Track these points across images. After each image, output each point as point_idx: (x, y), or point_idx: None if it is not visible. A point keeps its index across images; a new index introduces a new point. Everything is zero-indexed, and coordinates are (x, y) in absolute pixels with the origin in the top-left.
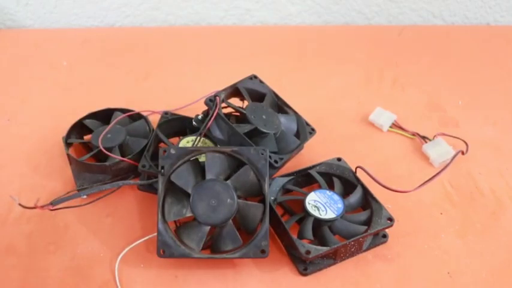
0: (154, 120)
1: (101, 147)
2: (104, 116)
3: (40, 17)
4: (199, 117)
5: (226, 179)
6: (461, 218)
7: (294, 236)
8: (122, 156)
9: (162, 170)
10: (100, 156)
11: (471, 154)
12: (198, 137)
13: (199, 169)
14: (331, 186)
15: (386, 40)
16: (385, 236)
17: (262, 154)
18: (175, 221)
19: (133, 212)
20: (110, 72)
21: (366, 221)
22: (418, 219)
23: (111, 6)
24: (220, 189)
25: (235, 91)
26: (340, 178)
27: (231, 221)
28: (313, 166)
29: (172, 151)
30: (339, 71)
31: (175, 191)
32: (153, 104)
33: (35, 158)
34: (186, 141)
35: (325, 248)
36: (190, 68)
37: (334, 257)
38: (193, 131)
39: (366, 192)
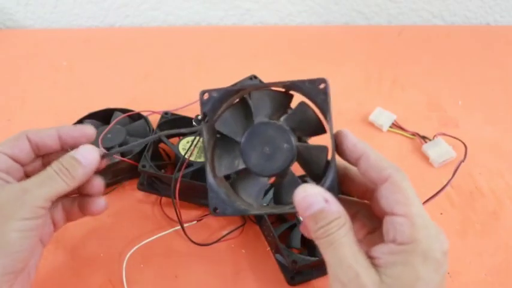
0: (154, 120)
1: (101, 147)
2: (104, 116)
3: (40, 17)
4: (199, 117)
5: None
6: (461, 218)
7: (283, 245)
8: (122, 156)
9: (206, 118)
10: None
11: (471, 154)
12: (198, 137)
13: (248, 112)
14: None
15: (386, 40)
16: None
17: (322, 87)
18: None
19: (134, 212)
20: (110, 72)
21: None
22: None
23: (112, 7)
24: (274, 133)
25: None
26: None
27: (291, 168)
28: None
29: (214, 93)
30: (338, 71)
31: (223, 141)
32: (153, 104)
33: None
34: (186, 141)
35: (312, 259)
36: (190, 68)
37: (323, 268)
38: (193, 131)
39: None
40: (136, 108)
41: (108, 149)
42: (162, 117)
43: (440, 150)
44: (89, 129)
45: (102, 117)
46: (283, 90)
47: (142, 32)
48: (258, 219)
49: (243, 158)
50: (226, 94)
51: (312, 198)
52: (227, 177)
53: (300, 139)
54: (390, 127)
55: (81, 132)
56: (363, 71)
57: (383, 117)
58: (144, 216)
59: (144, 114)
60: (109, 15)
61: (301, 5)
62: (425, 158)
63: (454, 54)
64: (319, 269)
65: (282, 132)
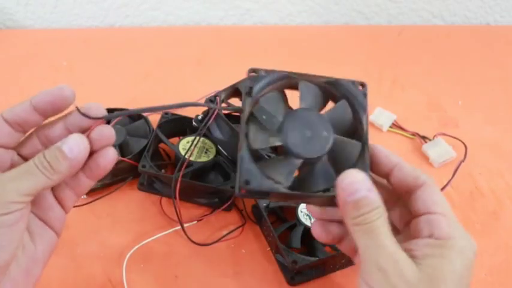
0: (154, 120)
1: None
2: None
3: (40, 17)
4: (199, 117)
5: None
6: (461, 218)
7: (283, 245)
8: (122, 156)
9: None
10: None
11: (471, 154)
12: (198, 137)
13: (287, 102)
14: None
15: (386, 40)
16: None
17: (361, 88)
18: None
19: (134, 212)
20: (109, 72)
21: None
22: None
23: (112, 7)
24: (316, 120)
25: (235, 91)
26: None
27: (325, 156)
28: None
29: (263, 73)
30: (339, 71)
31: (262, 117)
32: (153, 104)
33: None
34: (186, 141)
35: (312, 259)
36: (190, 68)
37: (323, 268)
38: (193, 131)
39: None
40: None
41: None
42: (162, 117)
43: (440, 150)
44: (66, 91)
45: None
46: (324, 88)
47: (142, 32)
48: (258, 219)
49: (282, 135)
50: (276, 78)
51: (358, 185)
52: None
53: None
54: (390, 127)
55: (55, 95)
56: (363, 71)
57: (383, 117)
58: (144, 216)
59: (144, 114)
60: (109, 15)
61: (301, 5)
62: (426, 158)
63: (454, 54)
64: (319, 269)
65: (323, 121)
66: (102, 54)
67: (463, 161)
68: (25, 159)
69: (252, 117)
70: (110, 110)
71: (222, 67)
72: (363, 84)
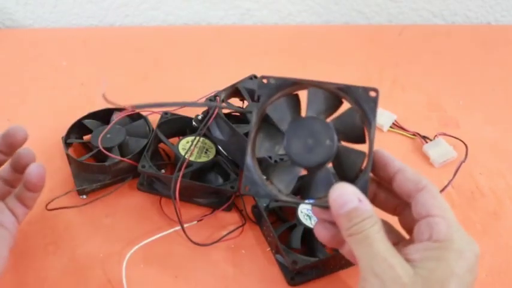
0: (154, 120)
1: (101, 147)
2: (104, 116)
3: (40, 16)
4: (199, 117)
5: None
6: (461, 219)
7: (283, 245)
8: (122, 156)
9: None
10: (100, 156)
11: (471, 154)
12: (198, 137)
13: (298, 106)
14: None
15: (386, 40)
16: None
17: (373, 95)
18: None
19: (133, 213)
20: (109, 72)
21: None
22: None
23: (111, 6)
24: (320, 128)
25: (235, 91)
26: None
27: (327, 165)
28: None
29: (272, 80)
30: (338, 71)
31: (268, 126)
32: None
33: None
34: (186, 141)
35: (312, 259)
36: (190, 68)
37: (323, 269)
38: (193, 131)
39: None
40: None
41: (107, 149)
42: (162, 117)
43: (440, 150)
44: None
45: (102, 117)
46: (335, 93)
47: (142, 31)
48: (258, 219)
49: (285, 144)
50: (283, 83)
51: (348, 197)
52: (261, 164)
53: (339, 141)
54: (391, 127)
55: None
56: (363, 70)
57: (383, 117)
58: (144, 216)
59: (144, 114)
60: (109, 15)
61: (301, 5)
62: (426, 158)
63: (454, 54)
64: (319, 269)
65: (327, 129)
66: (102, 54)
67: (463, 161)
68: None
69: (259, 125)
70: (109, 110)
71: (222, 67)
72: (375, 91)
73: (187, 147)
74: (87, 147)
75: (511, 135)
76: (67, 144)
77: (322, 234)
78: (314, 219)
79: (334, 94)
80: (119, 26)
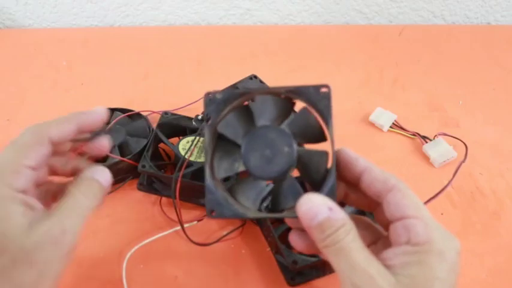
0: (154, 120)
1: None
2: None
3: (39, 16)
4: (199, 117)
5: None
6: (461, 219)
7: (283, 245)
8: (122, 156)
9: (208, 119)
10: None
11: (472, 154)
12: (198, 137)
13: (250, 116)
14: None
15: (387, 40)
16: None
17: (324, 91)
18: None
19: (133, 213)
20: (109, 72)
21: None
22: None
23: (111, 6)
24: (275, 136)
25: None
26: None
27: (291, 173)
28: None
29: (219, 95)
30: (339, 71)
31: (224, 143)
32: (153, 104)
33: None
34: (186, 141)
35: (312, 259)
36: (190, 68)
37: (323, 269)
38: (193, 131)
39: None
40: (136, 108)
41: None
42: (161, 117)
43: (441, 150)
44: (102, 113)
45: None
46: (285, 96)
47: (142, 31)
48: (258, 220)
49: (243, 160)
50: (230, 96)
51: (316, 209)
52: (225, 181)
53: (299, 146)
54: (391, 127)
55: (94, 118)
56: (363, 70)
57: (383, 117)
58: (144, 217)
59: (144, 114)
60: (108, 15)
61: (301, 5)
62: (426, 158)
63: (454, 54)
64: (319, 269)
65: (284, 136)
66: (102, 54)
67: (463, 161)
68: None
69: (215, 144)
70: (110, 110)
71: (222, 67)
72: (326, 87)
73: (187, 147)
74: None
75: (511, 135)
76: None
77: (298, 244)
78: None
79: (285, 98)
80: (118, 26)
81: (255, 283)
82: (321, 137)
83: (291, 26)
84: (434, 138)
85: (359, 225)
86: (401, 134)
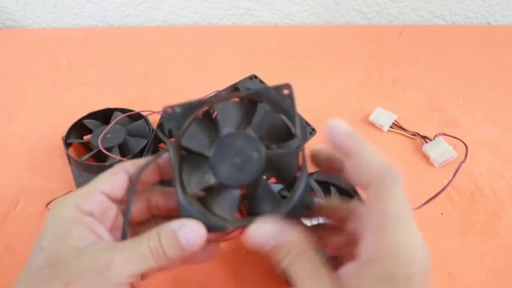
0: (154, 120)
1: (101, 147)
2: (104, 116)
3: (39, 16)
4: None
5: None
6: (461, 219)
7: None
8: (122, 156)
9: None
10: (100, 156)
11: (472, 154)
12: None
13: (214, 124)
14: (328, 195)
15: (387, 40)
16: None
17: (286, 92)
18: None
19: None
20: (109, 72)
21: None
22: (419, 220)
23: (111, 6)
24: (243, 143)
25: (235, 91)
26: (337, 187)
27: (263, 177)
28: (311, 174)
29: (177, 109)
30: (339, 71)
31: (191, 157)
32: (153, 104)
33: (34, 158)
34: None
35: None
36: (190, 68)
37: None
38: None
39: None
40: (136, 108)
41: (107, 149)
42: (162, 117)
43: (441, 150)
44: None
45: (102, 117)
46: (249, 98)
47: (142, 31)
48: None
49: (213, 172)
50: (189, 108)
51: (262, 239)
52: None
53: (269, 148)
54: (391, 127)
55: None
56: (363, 70)
57: (383, 117)
58: None
59: (144, 114)
60: (108, 15)
61: (301, 5)
62: (426, 158)
63: (454, 54)
64: None
65: (251, 141)
66: (102, 54)
67: (463, 161)
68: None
69: (181, 159)
70: (109, 110)
71: (222, 67)
72: (287, 87)
73: None
74: (87, 147)
75: (511, 135)
76: (67, 144)
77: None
78: (314, 220)
79: (247, 101)
80: (118, 26)
81: (255, 283)
82: (288, 136)
83: (291, 26)
84: (434, 138)
85: (328, 232)
86: (401, 134)
